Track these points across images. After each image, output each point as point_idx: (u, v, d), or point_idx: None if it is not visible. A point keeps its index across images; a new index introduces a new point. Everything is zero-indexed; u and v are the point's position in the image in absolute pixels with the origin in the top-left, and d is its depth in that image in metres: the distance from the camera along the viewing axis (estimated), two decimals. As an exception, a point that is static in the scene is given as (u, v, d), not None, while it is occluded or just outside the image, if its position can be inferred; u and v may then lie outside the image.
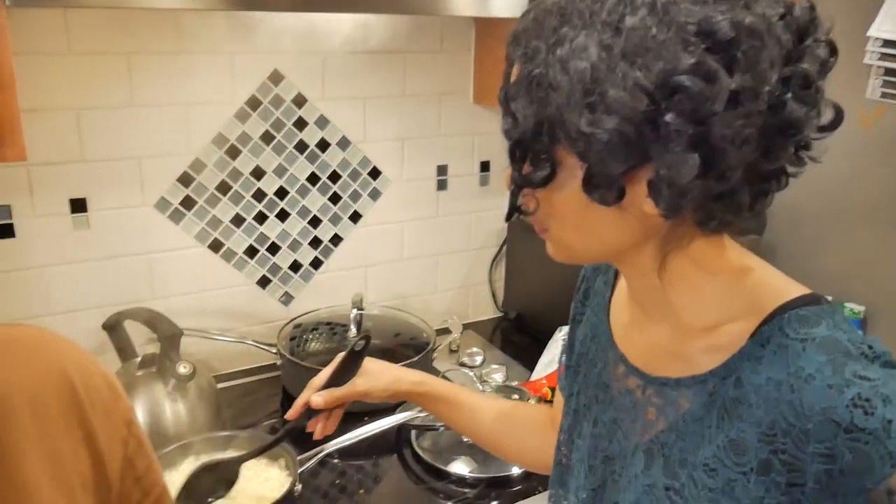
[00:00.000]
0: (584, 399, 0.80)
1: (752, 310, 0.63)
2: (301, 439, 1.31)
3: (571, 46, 0.55)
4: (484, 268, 1.90)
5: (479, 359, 1.68)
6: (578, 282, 0.88)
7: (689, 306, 0.67)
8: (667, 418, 0.67)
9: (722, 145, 0.54)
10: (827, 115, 0.60)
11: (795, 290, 0.64)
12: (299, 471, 1.11)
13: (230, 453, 1.12)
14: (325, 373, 0.96)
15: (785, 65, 0.56)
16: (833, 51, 0.59)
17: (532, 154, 0.60)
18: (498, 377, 1.60)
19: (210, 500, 1.02)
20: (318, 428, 0.97)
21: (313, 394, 0.94)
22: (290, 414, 0.96)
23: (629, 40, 0.54)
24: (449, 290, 1.87)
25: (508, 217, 0.67)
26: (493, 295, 1.94)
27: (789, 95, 0.55)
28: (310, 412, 0.95)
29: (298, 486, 1.09)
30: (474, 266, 1.89)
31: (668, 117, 0.53)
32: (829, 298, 0.64)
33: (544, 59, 0.57)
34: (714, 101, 0.53)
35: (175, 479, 1.09)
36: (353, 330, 1.54)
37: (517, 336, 1.85)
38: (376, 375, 0.98)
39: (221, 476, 1.03)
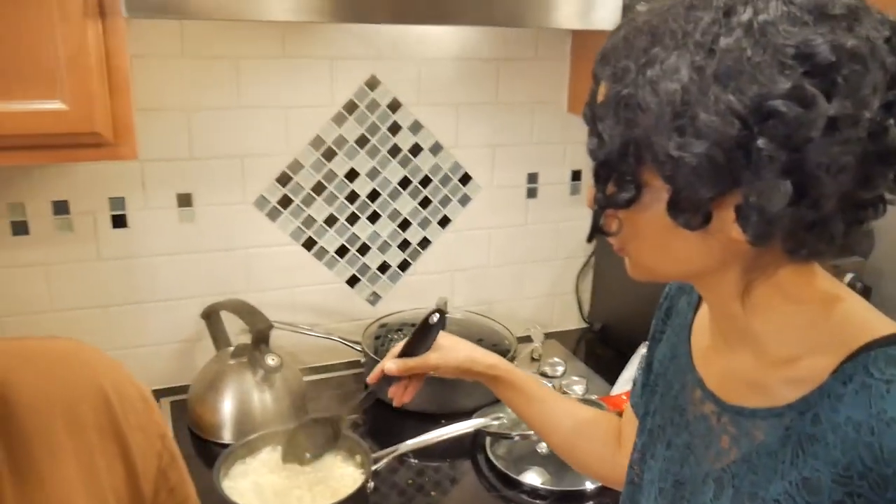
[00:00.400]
0: (659, 420, 0.79)
1: (837, 344, 0.60)
2: (377, 438, 1.37)
3: (662, 67, 0.55)
4: (571, 277, 1.89)
5: (560, 369, 1.67)
6: (661, 299, 0.87)
7: (772, 336, 0.65)
8: (740, 448, 0.66)
9: (817, 173, 0.52)
10: None
11: (886, 326, 0.61)
12: (373, 468, 1.14)
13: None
14: (402, 343, 1.01)
15: (889, 90, 0.53)
16: None
17: (617, 175, 0.60)
18: (578, 389, 1.58)
19: (308, 455, 1.11)
20: (396, 395, 1.01)
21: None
22: (371, 378, 1.01)
23: (722, 62, 0.53)
24: (535, 298, 1.87)
25: (590, 237, 0.67)
26: (580, 305, 1.92)
27: (892, 122, 0.53)
28: (389, 380, 1.00)
29: (371, 484, 1.12)
30: (561, 275, 1.88)
31: (761, 143, 0.52)
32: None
33: (633, 79, 0.56)
34: (810, 128, 0.51)
35: (254, 465, 1.15)
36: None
37: (601, 348, 1.83)
38: (450, 351, 1.00)
39: (323, 432, 1.12)
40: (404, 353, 1.00)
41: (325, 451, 1.12)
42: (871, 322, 0.61)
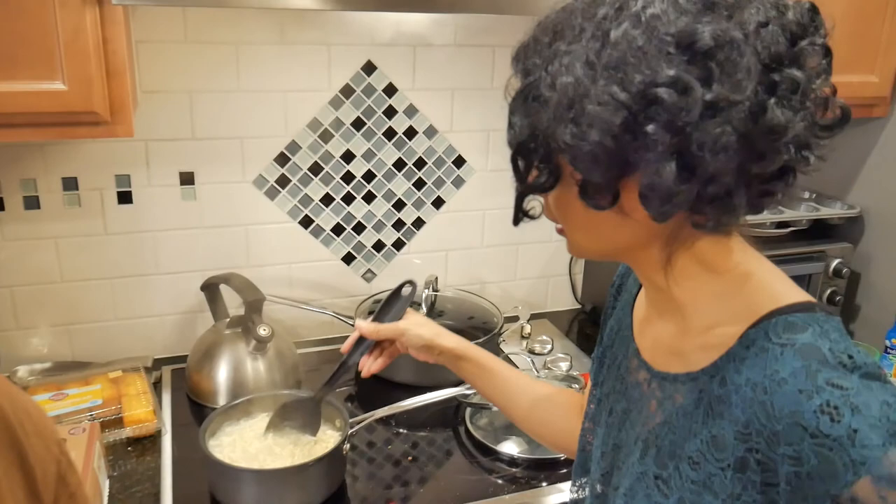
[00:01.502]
0: (606, 389, 0.84)
1: (747, 312, 0.65)
2: (359, 404, 1.43)
3: (561, 62, 0.59)
4: (564, 260, 1.93)
5: (548, 347, 1.73)
6: (615, 277, 0.92)
7: (691, 305, 0.69)
8: (664, 411, 0.71)
9: (700, 153, 0.56)
10: (832, 116, 0.60)
11: (792, 295, 0.65)
12: (350, 432, 1.20)
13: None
14: (374, 313, 1.08)
15: (772, 70, 0.57)
16: (827, 52, 0.60)
17: (528, 163, 0.65)
18: (563, 366, 1.63)
19: (288, 427, 1.19)
20: (366, 364, 1.07)
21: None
22: (344, 347, 1.08)
23: (612, 54, 0.57)
24: (528, 279, 1.92)
25: (516, 221, 0.73)
26: (573, 287, 1.97)
27: (772, 101, 0.56)
28: (361, 349, 1.07)
29: (346, 446, 1.19)
30: (554, 257, 1.92)
31: (649, 128, 0.56)
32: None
33: (539, 74, 0.61)
34: (690, 112, 0.55)
35: (243, 427, 1.22)
36: (424, 309, 1.63)
37: (591, 329, 1.87)
38: (418, 322, 1.06)
39: (303, 412, 1.19)
40: (375, 321, 1.06)
41: (311, 433, 1.19)
42: (778, 291, 0.65)
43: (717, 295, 0.68)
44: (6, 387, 0.60)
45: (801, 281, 1.73)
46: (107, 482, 1.21)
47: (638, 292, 0.84)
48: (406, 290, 1.08)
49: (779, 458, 0.57)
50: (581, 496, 0.88)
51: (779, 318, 0.62)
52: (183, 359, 1.55)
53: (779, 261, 1.70)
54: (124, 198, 1.52)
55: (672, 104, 0.55)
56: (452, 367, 1.06)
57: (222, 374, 1.42)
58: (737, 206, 0.61)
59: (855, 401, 0.53)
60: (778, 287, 0.67)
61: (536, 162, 0.65)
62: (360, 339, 1.07)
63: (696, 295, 0.69)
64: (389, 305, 1.07)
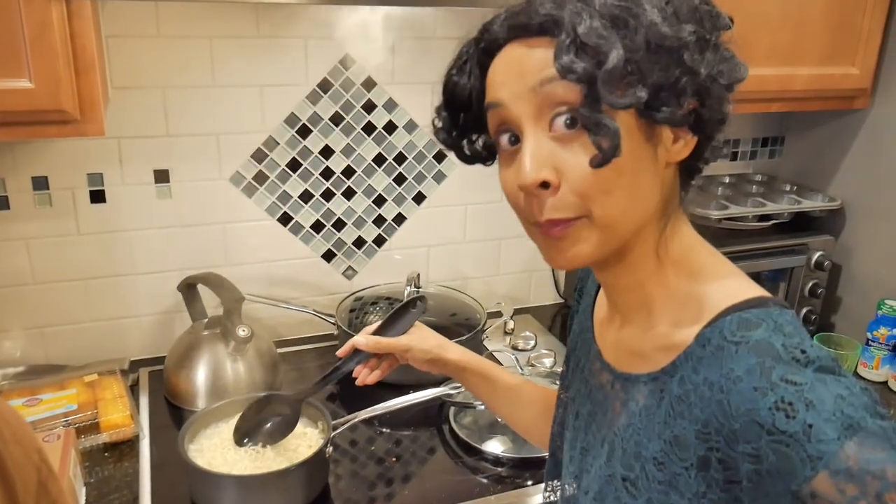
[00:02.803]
0: (572, 392, 0.83)
1: (703, 311, 0.64)
2: (342, 404, 1.42)
3: None
4: (547, 254, 1.92)
5: (531, 342, 1.72)
6: (576, 281, 0.91)
7: (659, 301, 0.69)
8: (627, 413, 0.70)
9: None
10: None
11: (747, 292, 0.64)
12: (333, 434, 1.18)
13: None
14: (378, 323, 1.05)
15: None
16: None
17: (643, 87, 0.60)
18: (547, 362, 1.63)
19: (266, 426, 1.14)
20: (361, 374, 1.04)
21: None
22: (341, 352, 1.04)
23: None
24: (510, 274, 1.90)
25: (608, 160, 0.60)
26: (556, 282, 1.96)
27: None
28: (358, 358, 1.03)
29: (329, 448, 1.17)
30: (537, 252, 1.89)
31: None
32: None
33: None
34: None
35: (223, 430, 1.20)
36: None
37: (574, 323, 1.87)
38: (423, 337, 1.04)
39: (280, 411, 1.14)
40: (377, 334, 1.03)
41: (281, 437, 1.14)
42: (735, 289, 0.65)
43: (678, 292, 0.67)
44: None
45: (784, 274, 1.74)
46: (83, 490, 1.18)
47: (597, 294, 0.83)
48: (415, 306, 1.05)
49: (738, 456, 0.56)
50: (553, 499, 0.88)
51: (733, 316, 0.61)
52: (160, 360, 1.52)
53: (762, 254, 1.71)
54: (97, 197, 1.48)
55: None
56: (457, 377, 1.05)
57: (201, 375, 1.40)
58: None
59: (809, 396, 0.53)
60: (732, 283, 0.66)
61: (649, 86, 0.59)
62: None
63: (663, 291, 0.68)
64: (395, 320, 1.04)
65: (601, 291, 0.82)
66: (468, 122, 0.72)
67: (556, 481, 0.87)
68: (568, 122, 0.61)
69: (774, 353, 0.57)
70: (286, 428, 1.14)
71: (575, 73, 0.58)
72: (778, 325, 0.59)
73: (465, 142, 0.75)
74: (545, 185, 0.61)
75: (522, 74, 0.62)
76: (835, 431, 0.51)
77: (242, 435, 1.14)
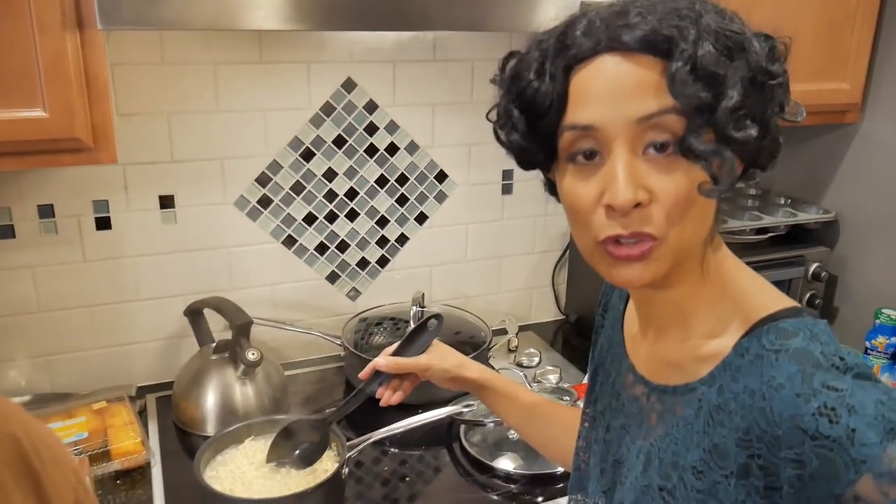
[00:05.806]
0: (600, 406, 0.84)
1: (739, 322, 0.66)
2: (353, 426, 1.42)
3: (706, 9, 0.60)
4: (547, 271, 1.94)
5: (535, 359, 1.73)
6: (599, 296, 0.92)
7: (695, 315, 0.70)
8: (665, 423, 0.71)
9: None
10: None
11: (780, 302, 0.67)
12: (348, 455, 1.18)
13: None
14: (397, 344, 1.06)
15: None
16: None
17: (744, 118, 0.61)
18: (552, 378, 1.64)
19: (297, 451, 1.15)
20: (384, 395, 1.06)
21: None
22: (362, 374, 1.06)
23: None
24: (512, 292, 1.92)
25: (727, 190, 0.61)
26: (556, 298, 1.97)
27: None
28: (380, 379, 1.04)
29: (345, 470, 1.17)
30: (538, 269, 1.93)
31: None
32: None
33: (706, 27, 0.59)
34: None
35: (237, 454, 1.20)
36: (413, 325, 1.61)
37: (576, 339, 1.88)
38: (442, 356, 1.05)
39: (308, 437, 1.16)
40: (396, 354, 1.05)
41: (313, 460, 1.16)
42: (768, 299, 0.67)
43: (715, 304, 0.69)
44: (21, 415, 0.60)
45: (783, 286, 1.76)
46: (97, 518, 1.17)
47: (625, 308, 0.85)
48: (432, 325, 1.06)
49: (781, 461, 0.57)
50: None
51: (770, 325, 0.63)
52: (167, 386, 1.52)
53: (761, 266, 1.73)
54: (102, 223, 1.48)
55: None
56: (477, 394, 1.06)
57: (210, 400, 1.39)
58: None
59: (850, 401, 0.55)
60: (765, 294, 0.69)
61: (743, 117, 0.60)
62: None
63: (700, 304, 0.70)
64: (412, 339, 1.06)
65: (629, 306, 0.83)
66: (545, 128, 0.65)
67: (579, 495, 0.88)
68: (660, 146, 0.60)
69: (814, 361, 0.58)
70: (314, 454, 1.16)
71: (694, 106, 0.57)
72: (814, 334, 0.61)
73: (537, 148, 0.68)
74: (636, 205, 0.60)
75: (622, 98, 0.60)
76: (877, 435, 0.52)
77: (277, 462, 1.16)
